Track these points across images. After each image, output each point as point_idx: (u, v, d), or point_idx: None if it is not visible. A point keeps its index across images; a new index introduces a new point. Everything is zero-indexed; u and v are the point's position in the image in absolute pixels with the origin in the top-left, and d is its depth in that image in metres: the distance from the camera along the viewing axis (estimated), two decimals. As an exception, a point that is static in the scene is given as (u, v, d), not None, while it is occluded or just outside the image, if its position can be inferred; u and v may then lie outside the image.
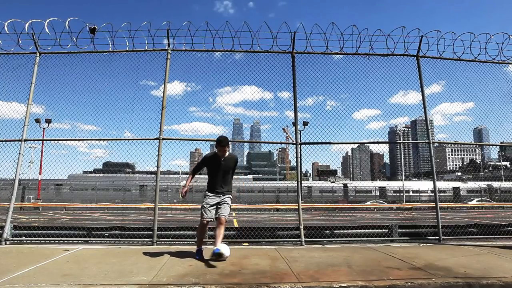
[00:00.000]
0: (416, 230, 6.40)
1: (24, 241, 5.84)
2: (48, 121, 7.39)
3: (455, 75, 6.85)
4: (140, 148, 6.07)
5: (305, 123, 6.73)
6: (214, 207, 4.47)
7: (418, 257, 4.47)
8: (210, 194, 4.54)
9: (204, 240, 4.74)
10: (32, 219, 17.16)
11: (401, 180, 40.81)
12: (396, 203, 34.36)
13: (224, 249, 4.09)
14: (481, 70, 6.92)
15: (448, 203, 28.83)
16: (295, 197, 6.46)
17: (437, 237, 6.03)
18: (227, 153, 4.64)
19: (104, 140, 6.27)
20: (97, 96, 6.55)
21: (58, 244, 5.67)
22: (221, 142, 4.51)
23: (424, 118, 6.54)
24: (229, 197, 4.60)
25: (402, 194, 36.99)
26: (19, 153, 5.98)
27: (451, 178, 59.74)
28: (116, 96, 6.55)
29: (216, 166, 4.58)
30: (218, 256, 4.04)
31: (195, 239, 5.93)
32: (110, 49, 6.39)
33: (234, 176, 4.88)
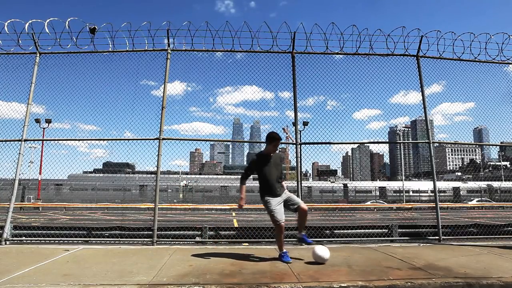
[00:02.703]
0: (416, 230, 6.40)
1: (24, 241, 5.84)
2: (48, 121, 7.40)
3: (455, 75, 6.85)
4: (140, 148, 6.08)
5: (305, 123, 6.73)
6: (281, 204, 4.30)
7: (418, 257, 4.46)
8: (271, 198, 4.27)
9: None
10: (32, 219, 17.16)
11: (401, 180, 40.81)
12: (396, 203, 34.37)
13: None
14: (481, 70, 6.93)
15: (448, 203, 28.83)
16: (295, 197, 6.44)
17: (437, 237, 6.02)
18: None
19: (104, 140, 6.28)
20: (97, 96, 6.57)
21: (58, 244, 5.67)
22: (276, 137, 4.29)
23: (424, 118, 6.54)
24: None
25: (402, 194, 36.99)
26: (19, 153, 5.98)
27: (451, 178, 59.76)
28: (116, 96, 6.55)
29: (267, 166, 4.30)
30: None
31: (195, 239, 5.96)
32: (110, 49, 6.39)
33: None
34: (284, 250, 4.34)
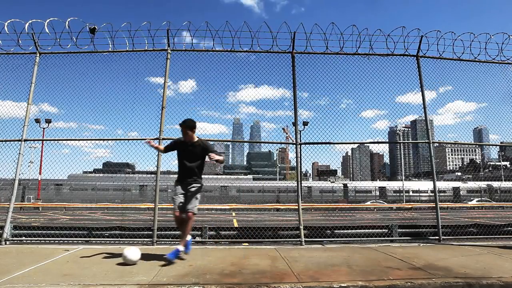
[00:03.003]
0: (416, 230, 6.40)
1: (24, 241, 5.84)
2: (48, 121, 7.38)
3: (456, 75, 6.85)
4: (140, 148, 6.08)
5: (305, 123, 6.72)
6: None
7: (418, 257, 4.47)
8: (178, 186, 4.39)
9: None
10: (32, 219, 17.15)
11: (401, 180, 40.81)
12: (396, 203, 34.37)
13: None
14: (481, 70, 6.93)
15: (448, 203, 28.84)
16: (295, 197, 6.46)
17: (437, 237, 6.02)
18: (196, 138, 4.45)
19: (104, 140, 6.28)
20: (102, 96, 6.56)
21: (58, 244, 5.67)
22: (186, 122, 4.30)
23: (424, 118, 6.54)
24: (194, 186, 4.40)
25: (402, 194, 36.99)
26: (19, 153, 5.98)
27: (451, 178, 59.73)
28: (119, 95, 6.55)
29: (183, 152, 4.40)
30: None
31: (195, 239, 5.97)
32: (110, 49, 6.39)
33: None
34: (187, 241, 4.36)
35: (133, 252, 4.06)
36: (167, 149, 4.66)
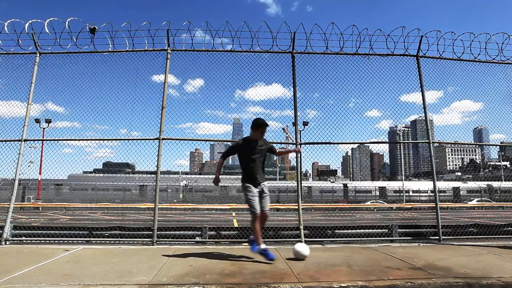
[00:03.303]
0: (416, 230, 6.40)
1: (24, 241, 5.84)
2: (48, 121, 7.38)
3: (456, 75, 6.85)
4: (140, 148, 6.07)
5: (305, 123, 6.72)
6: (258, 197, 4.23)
7: (418, 257, 4.46)
8: (251, 185, 4.25)
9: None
10: (32, 219, 17.15)
11: (401, 180, 40.81)
12: (396, 203, 34.36)
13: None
14: (482, 70, 6.93)
15: (448, 203, 28.82)
16: (295, 197, 6.46)
17: (437, 237, 6.02)
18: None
19: (103, 140, 6.28)
20: (102, 96, 6.56)
21: (58, 244, 5.66)
22: (262, 122, 4.22)
23: (424, 118, 6.54)
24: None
25: (402, 194, 36.99)
26: (19, 153, 5.98)
27: (451, 178, 59.74)
28: (119, 95, 6.55)
29: (252, 152, 4.27)
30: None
31: (195, 239, 5.97)
32: (110, 49, 6.39)
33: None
34: (263, 246, 4.22)
35: (303, 247, 4.35)
36: (230, 154, 4.52)
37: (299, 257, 4.27)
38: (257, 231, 4.22)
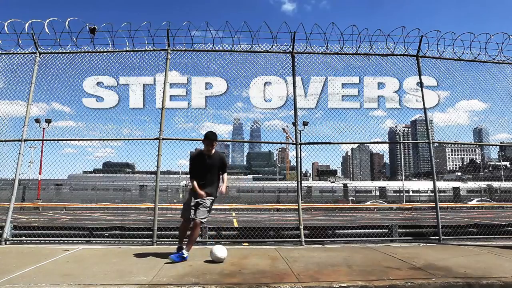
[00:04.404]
0: (416, 230, 6.40)
1: (24, 241, 5.84)
2: (48, 121, 7.36)
3: (457, 75, 6.85)
4: (140, 148, 6.07)
5: (305, 123, 6.72)
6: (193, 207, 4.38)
7: (418, 257, 4.47)
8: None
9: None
10: (32, 219, 17.15)
11: (401, 180, 40.80)
12: (396, 203, 34.36)
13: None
14: (482, 70, 6.93)
15: (448, 203, 28.78)
16: (295, 197, 6.46)
17: (437, 237, 6.02)
18: (214, 151, 4.48)
19: (103, 140, 6.27)
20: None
21: (58, 244, 5.66)
22: (209, 136, 4.37)
23: (424, 118, 6.53)
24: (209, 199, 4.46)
25: (402, 194, 36.99)
26: (19, 153, 5.98)
27: (451, 178, 59.70)
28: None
29: (202, 165, 4.44)
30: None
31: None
32: (110, 49, 6.39)
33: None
34: (183, 249, 4.28)
35: (221, 250, 4.25)
36: (191, 169, 4.60)
37: (216, 261, 4.17)
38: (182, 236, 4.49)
